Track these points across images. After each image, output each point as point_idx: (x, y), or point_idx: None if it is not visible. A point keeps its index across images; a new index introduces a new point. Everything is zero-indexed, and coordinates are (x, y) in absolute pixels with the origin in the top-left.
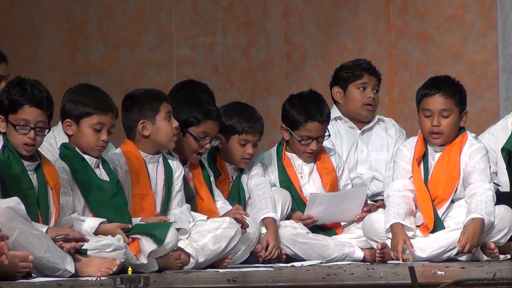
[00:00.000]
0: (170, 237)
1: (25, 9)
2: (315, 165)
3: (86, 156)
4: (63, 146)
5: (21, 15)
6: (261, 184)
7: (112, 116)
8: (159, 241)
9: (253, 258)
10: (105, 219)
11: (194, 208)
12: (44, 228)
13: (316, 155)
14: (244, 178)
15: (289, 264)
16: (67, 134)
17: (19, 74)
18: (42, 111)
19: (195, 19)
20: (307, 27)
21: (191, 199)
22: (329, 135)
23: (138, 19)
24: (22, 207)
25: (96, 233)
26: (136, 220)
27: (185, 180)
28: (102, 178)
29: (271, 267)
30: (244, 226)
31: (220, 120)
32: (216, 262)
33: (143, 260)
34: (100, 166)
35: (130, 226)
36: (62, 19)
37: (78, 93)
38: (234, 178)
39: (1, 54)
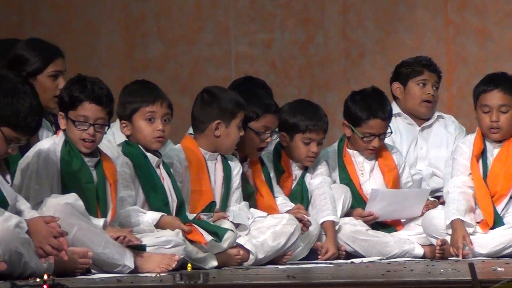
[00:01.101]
0: (228, 234)
1: (83, 6)
2: (376, 162)
3: (148, 155)
4: (126, 143)
5: (79, 12)
6: (321, 183)
7: (162, 105)
8: (218, 238)
9: (312, 255)
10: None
11: (253, 205)
12: (100, 222)
13: (378, 153)
14: (307, 177)
15: (349, 261)
16: (126, 136)
17: (77, 71)
18: (102, 107)
19: (253, 16)
20: (365, 23)
21: (251, 196)
22: (391, 132)
23: (196, 16)
24: (81, 203)
25: (157, 225)
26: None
27: (244, 177)
28: (161, 178)
29: (330, 263)
30: (305, 226)
31: (279, 114)
32: (276, 258)
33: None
34: (161, 166)
35: (186, 228)
36: (120, 15)
37: (125, 93)
38: (298, 177)
39: (58, 49)
